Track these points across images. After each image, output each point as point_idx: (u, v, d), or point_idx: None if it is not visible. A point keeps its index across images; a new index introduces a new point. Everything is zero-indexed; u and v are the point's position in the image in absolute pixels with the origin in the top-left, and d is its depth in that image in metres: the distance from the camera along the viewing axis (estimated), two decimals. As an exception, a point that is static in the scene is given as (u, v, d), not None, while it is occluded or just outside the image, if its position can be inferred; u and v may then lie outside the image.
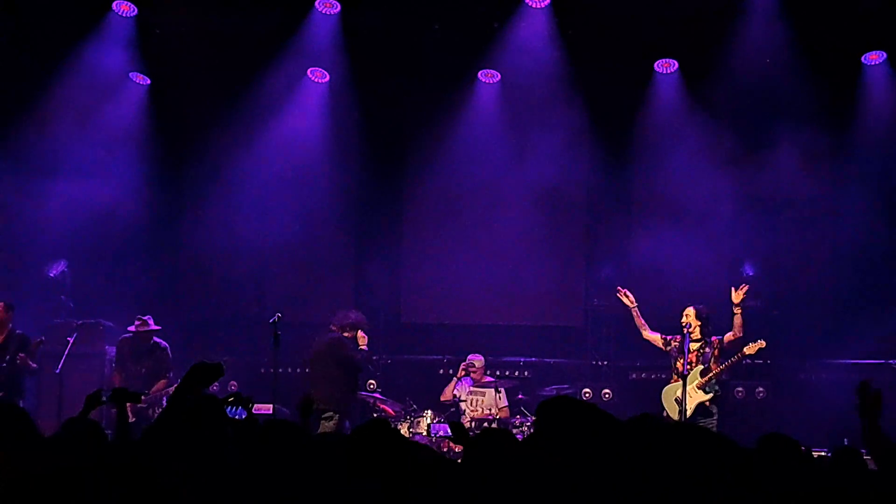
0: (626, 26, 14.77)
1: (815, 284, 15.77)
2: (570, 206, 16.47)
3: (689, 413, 12.43)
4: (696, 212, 15.06)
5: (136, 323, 13.40)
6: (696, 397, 12.57)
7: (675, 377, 12.66)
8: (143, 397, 12.56)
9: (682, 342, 12.55)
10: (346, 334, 13.08)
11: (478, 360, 14.45)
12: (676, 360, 12.65)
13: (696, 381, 12.58)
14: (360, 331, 13.07)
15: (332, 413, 12.64)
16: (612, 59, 15.08)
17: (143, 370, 13.29)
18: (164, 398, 12.97)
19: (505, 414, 13.94)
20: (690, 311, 12.73)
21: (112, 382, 13.32)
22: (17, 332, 13.05)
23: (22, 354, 12.71)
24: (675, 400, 12.50)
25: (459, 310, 16.69)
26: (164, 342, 13.52)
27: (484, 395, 14.28)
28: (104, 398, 7.50)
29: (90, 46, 15.03)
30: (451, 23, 15.20)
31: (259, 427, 5.93)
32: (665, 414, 12.64)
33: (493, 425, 13.50)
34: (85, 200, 14.95)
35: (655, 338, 13.03)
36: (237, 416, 7.36)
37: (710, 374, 12.54)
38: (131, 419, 12.58)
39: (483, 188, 16.30)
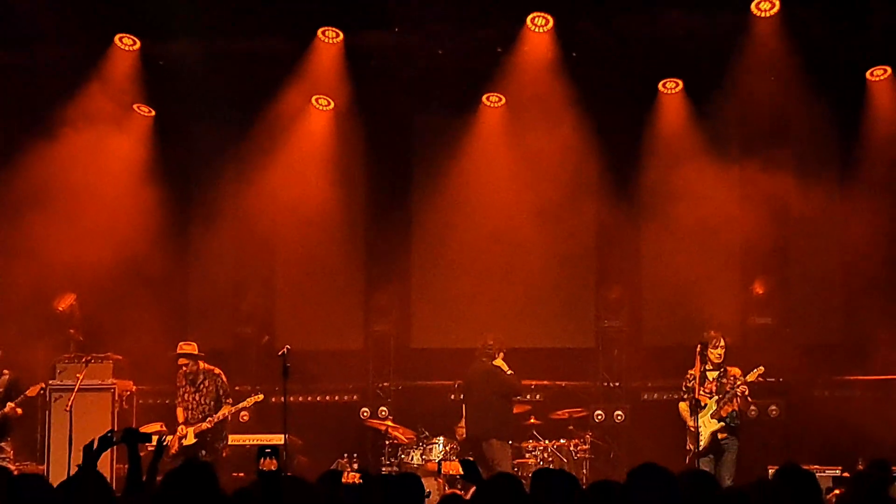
0: (630, 47, 14.79)
1: (826, 300, 15.73)
2: (579, 227, 16.40)
3: (704, 442, 12.42)
4: (706, 230, 15.01)
5: (181, 347, 13.39)
6: (710, 427, 12.54)
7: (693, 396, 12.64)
8: (207, 420, 13.03)
9: (703, 371, 12.58)
10: (495, 362, 13.39)
11: None
12: (694, 389, 12.59)
13: (712, 411, 12.55)
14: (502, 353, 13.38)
15: (496, 440, 12.97)
16: (616, 80, 15.09)
17: (207, 398, 13.30)
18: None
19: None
20: (723, 340, 12.73)
21: (176, 415, 13.47)
22: (6, 371, 13.09)
23: (11, 404, 12.80)
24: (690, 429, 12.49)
25: (470, 334, 16.60)
26: (216, 368, 13.52)
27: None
28: (115, 439, 7.49)
29: (94, 80, 15.06)
30: (454, 48, 15.23)
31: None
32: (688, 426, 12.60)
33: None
34: (92, 233, 14.97)
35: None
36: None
37: (730, 409, 12.54)
38: (193, 441, 13.01)
39: (491, 211, 16.26)
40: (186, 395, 13.37)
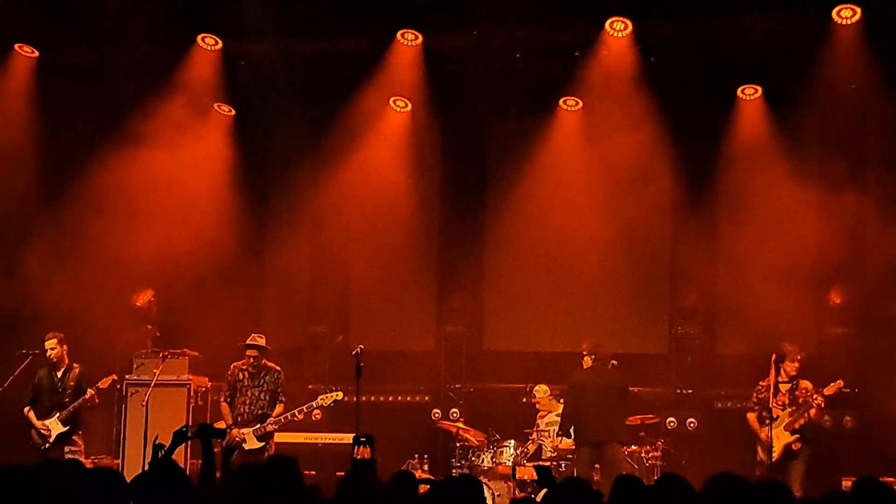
0: (708, 53, 14.71)
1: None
2: (654, 232, 16.34)
3: (777, 454, 12.36)
4: (782, 238, 14.87)
5: (252, 339, 13.08)
6: (783, 439, 12.46)
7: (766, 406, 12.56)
8: (269, 422, 12.75)
9: (776, 383, 12.53)
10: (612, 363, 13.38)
11: (538, 391, 14.40)
12: (767, 400, 12.53)
13: (785, 423, 12.48)
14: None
15: (617, 443, 12.90)
16: (694, 86, 15.01)
17: (264, 394, 12.92)
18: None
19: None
20: (800, 354, 12.66)
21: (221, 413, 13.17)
22: (76, 365, 13.24)
23: (91, 391, 12.90)
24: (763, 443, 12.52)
25: (541, 337, 16.63)
26: (277, 366, 13.20)
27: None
28: (190, 434, 7.58)
29: (176, 79, 15.27)
30: (533, 51, 15.24)
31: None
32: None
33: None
34: (172, 230, 15.18)
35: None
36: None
37: (803, 421, 12.48)
38: (257, 446, 12.70)
39: (565, 216, 16.21)
40: (244, 390, 12.90)
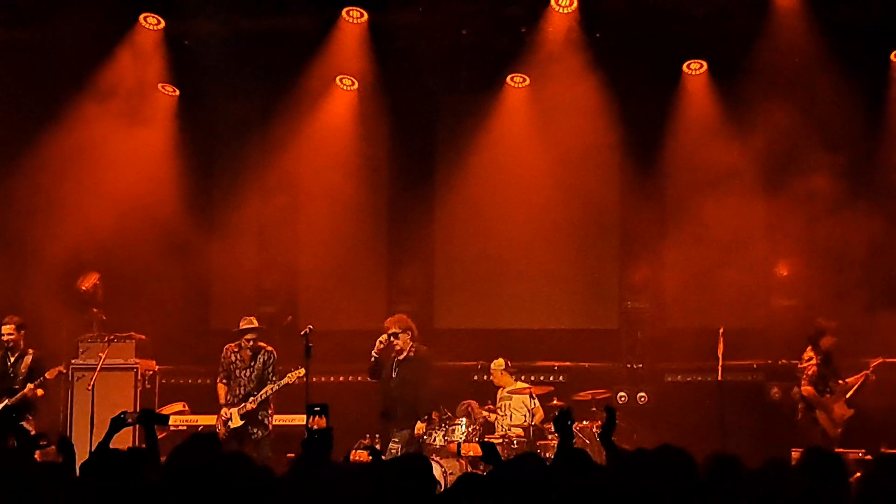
0: (654, 28, 14.74)
1: (848, 282, 15.61)
2: (603, 207, 16.38)
3: (841, 429, 12.92)
4: (729, 210, 14.94)
5: (246, 322, 13.12)
6: (844, 412, 12.83)
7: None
8: (251, 401, 12.85)
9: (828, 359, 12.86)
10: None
11: (493, 364, 14.42)
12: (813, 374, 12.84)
13: (846, 397, 13.03)
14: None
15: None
16: (640, 61, 15.02)
17: (253, 374, 13.01)
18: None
19: (539, 420, 13.87)
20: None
21: (217, 394, 13.20)
22: (30, 351, 13.12)
23: (31, 385, 12.82)
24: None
25: (492, 314, 16.63)
26: (269, 346, 13.29)
27: (511, 401, 14.18)
28: (130, 420, 7.50)
29: (119, 58, 15.10)
30: (478, 28, 15.19)
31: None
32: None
33: (529, 432, 13.45)
34: (116, 212, 15.02)
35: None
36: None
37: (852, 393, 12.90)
38: (240, 423, 12.86)
39: (514, 191, 16.23)
40: (238, 372, 13.03)
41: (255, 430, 12.95)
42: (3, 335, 13.03)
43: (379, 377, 12.90)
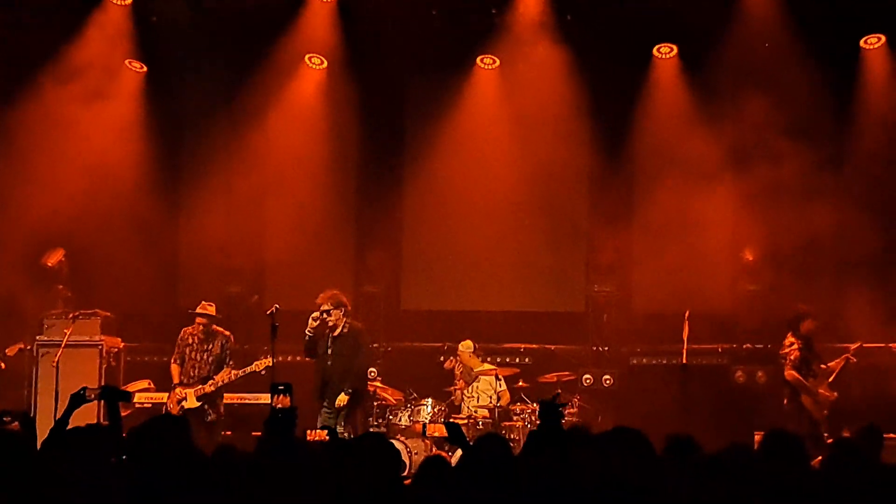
0: (625, 11, 14.75)
1: (814, 268, 15.70)
2: (571, 191, 16.41)
3: (827, 412, 12.89)
4: (697, 194, 14.99)
5: (202, 307, 13.40)
6: (829, 395, 12.94)
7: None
8: (209, 384, 13.11)
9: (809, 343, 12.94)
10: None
11: (461, 346, 14.44)
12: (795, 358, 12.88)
13: (829, 380, 13.06)
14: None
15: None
16: (610, 45, 15.04)
17: (210, 358, 13.31)
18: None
19: (505, 401, 13.90)
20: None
21: (170, 372, 13.44)
22: None
23: None
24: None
25: (459, 296, 16.64)
26: (227, 331, 13.59)
27: (479, 383, 14.20)
28: (92, 396, 7.46)
29: (86, 34, 14.99)
30: (449, 9, 15.18)
31: None
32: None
33: (495, 414, 13.48)
34: (83, 189, 14.93)
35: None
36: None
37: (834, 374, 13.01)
38: (196, 405, 13.06)
39: (483, 173, 16.22)
40: (193, 354, 13.34)
41: (209, 413, 13.19)
42: None
43: (315, 355, 12.93)
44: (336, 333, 12.85)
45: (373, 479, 5.53)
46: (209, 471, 5.60)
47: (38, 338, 14.16)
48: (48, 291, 14.89)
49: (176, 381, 13.29)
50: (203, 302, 13.46)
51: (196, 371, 13.27)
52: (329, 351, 12.81)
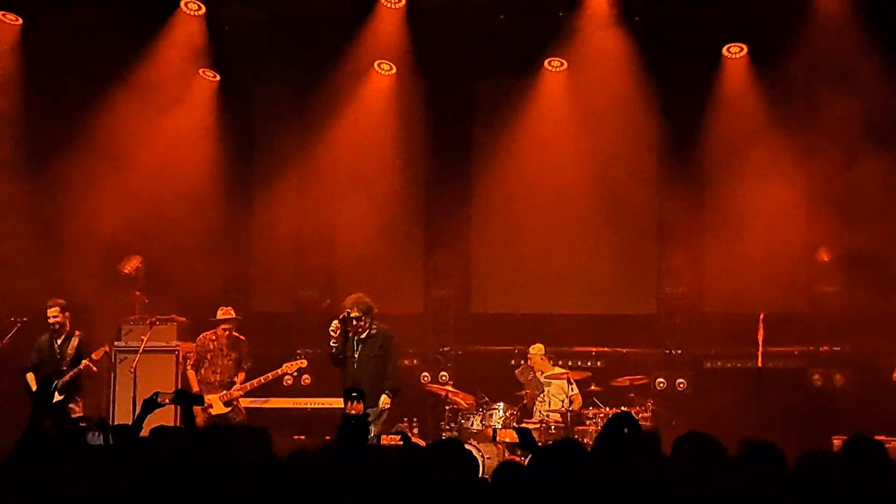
0: (693, 11, 14.65)
1: (890, 268, 15.50)
2: (641, 192, 16.30)
3: None
4: (769, 194, 14.86)
5: (224, 313, 13.54)
6: None
7: None
8: (236, 389, 13.27)
9: None
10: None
11: (532, 349, 14.42)
12: None
13: None
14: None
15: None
16: (679, 45, 14.96)
17: (231, 363, 13.48)
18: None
19: (577, 405, 13.86)
20: None
21: (187, 380, 13.58)
22: (77, 332, 13.26)
23: (86, 361, 12.92)
24: None
25: (529, 299, 16.61)
26: (241, 335, 13.74)
27: (550, 387, 14.19)
28: (166, 401, 7.54)
29: (161, 44, 15.18)
30: (516, 12, 15.18)
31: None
32: None
33: (567, 418, 13.44)
34: (158, 196, 15.14)
35: None
36: None
37: None
38: (224, 411, 13.20)
39: (551, 176, 16.19)
40: (216, 360, 13.44)
41: (236, 416, 13.31)
42: (49, 318, 13.18)
43: (342, 363, 12.38)
44: (363, 336, 12.40)
45: (450, 484, 5.55)
46: (289, 476, 5.65)
47: (115, 344, 14.36)
48: (125, 298, 15.11)
49: (196, 388, 13.29)
50: (222, 307, 13.59)
51: (218, 377, 13.37)
52: (356, 354, 12.34)
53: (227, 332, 13.46)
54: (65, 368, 13.05)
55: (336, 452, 6.64)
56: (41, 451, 5.63)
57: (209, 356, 13.49)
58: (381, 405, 12.11)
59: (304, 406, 14.45)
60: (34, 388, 13.05)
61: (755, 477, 5.44)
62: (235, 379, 13.35)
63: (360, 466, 5.96)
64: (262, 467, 5.60)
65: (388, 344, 12.42)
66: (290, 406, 14.52)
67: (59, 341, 13.23)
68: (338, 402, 12.22)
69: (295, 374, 13.34)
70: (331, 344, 12.23)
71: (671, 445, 5.86)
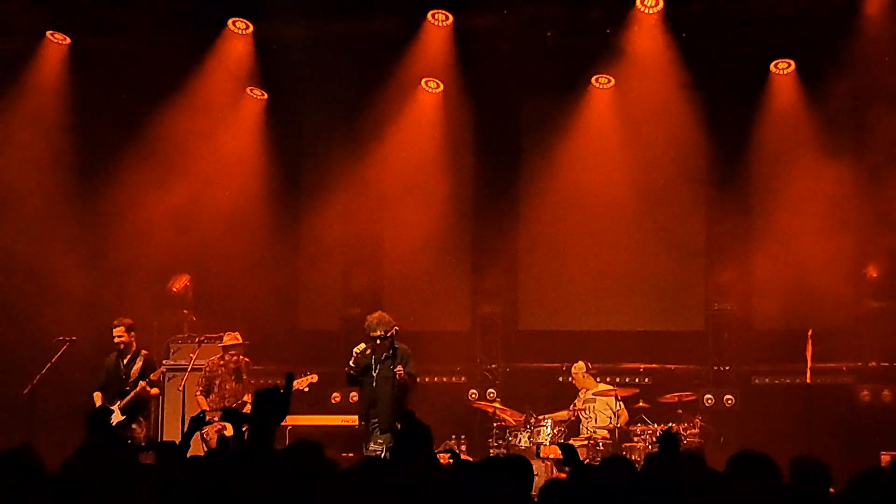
0: (740, 28, 14.62)
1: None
2: (689, 209, 16.27)
3: None
4: (818, 212, 14.79)
5: (231, 338, 13.46)
6: None
7: None
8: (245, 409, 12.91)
9: None
10: None
11: (574, 367, 14.40)
12: None
13: None
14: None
15: None
16: (726, 62, 14.93)
17: (241, 387, 13.40)
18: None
19: (623, 421, 13.82)
20: None
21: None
22: (143, 352, 13.27)
23: (143, 383, 12.89)
24: None
25: (577, 316, 16.60)
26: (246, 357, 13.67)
27: (595, 403, 14.15)
28: (214, 419, 7.58)
29: (209, 63, 15.32)
30: (563, 29, 15.19)
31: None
32: None
33: (615, 434, 13.41)
34: (206, 215, 15.26)
35: None
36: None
37: None
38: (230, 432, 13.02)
39: (599, 193, 16.17)
40: (225, 385, 13.36)
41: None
42: (115, 337, 13.10)
43: (360, 382, 12.34)
44: (383, 356, 12.25)
45: (505, 501, 5.56)
46: (354, 489, 5.67)
47: (164, 362, 14.37)
48: (174, 316, 15.22)
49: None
50: (228, 333, 13.48)
51: (226, 402, 13.19)
52: (375, 374, 12.21)
53: (234, 357, 13.37)
54: (128, 388, 12.97)
55: (399, 465, 6.66)
56: (92, 469, 5.67)
57: (218, 381, 13.39)
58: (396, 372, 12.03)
59: (351, 424, 14.45)
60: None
61: (807, 496, 5.43)
62: (245, 399, 13.18)
63: (422, 480, 5.98)
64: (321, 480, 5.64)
65: (406, 362, 12.33)
66: (339, 423, 14.47)
67: (125, 361, 13.12)
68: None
69: (306, 389, 13.20)
70: (350, 364, 12.24)
71: (725, 463, 5.86)
